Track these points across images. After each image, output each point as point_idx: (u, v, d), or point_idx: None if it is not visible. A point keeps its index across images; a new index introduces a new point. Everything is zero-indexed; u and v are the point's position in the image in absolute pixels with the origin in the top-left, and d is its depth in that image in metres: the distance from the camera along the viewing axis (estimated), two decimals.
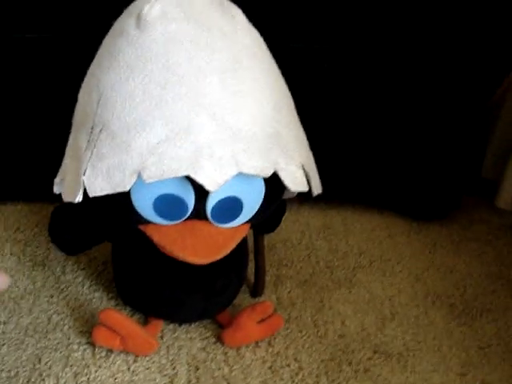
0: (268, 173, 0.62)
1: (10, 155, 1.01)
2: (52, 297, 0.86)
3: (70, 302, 0.85)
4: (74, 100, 0.70)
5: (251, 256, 0.89)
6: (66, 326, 0.81)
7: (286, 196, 0.77)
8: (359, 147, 1.04)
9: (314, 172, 0.69)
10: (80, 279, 0.90)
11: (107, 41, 0.69)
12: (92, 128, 0.64)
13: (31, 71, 0.92)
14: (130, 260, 0.77)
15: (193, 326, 0.83)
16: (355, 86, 0.97)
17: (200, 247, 0.66)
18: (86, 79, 0.69)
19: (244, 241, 0.81)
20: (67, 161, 0.68)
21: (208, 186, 0.58)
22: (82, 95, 0.69)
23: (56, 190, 0.69)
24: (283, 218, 1.03)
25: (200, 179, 0.58)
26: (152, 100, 0.61)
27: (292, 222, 1.08)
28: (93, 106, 0.65)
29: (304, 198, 1.08)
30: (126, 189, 0.60)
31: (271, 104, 0.65)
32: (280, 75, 0.71)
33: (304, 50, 0.92)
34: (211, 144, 0.60)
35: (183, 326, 0.83)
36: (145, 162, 0.59)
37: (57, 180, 0.69)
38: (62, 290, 0.88)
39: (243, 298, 0.88)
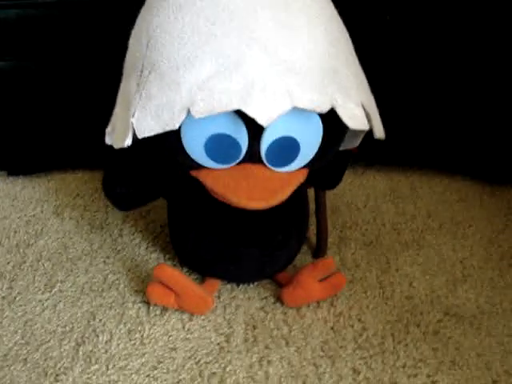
0: (325, 108, 0.57)
1: (68, 124, 1.00)
2: (108, 258, 0.85)
3: (127, 263, 0.84)
4: None
5: (313, 217, 0.85)
6: (122, 285, 0.79)
7: (347, 145, 0.73)
8: (427, 107, 0.98)
9: (375, 113, 0.64)
10: (137, 241, 0.89)
11: None
12: (141, 71, 0.61)
13: (80, 29, 0.90)
14: (186, 215, 0.75)
15: (251, 286, 0.80)
16: (421, 41, 0.91)
17: (255, 191, 0.62)
18: (136, 25, 0.67)
19: (305, 196, 0.77)
20: (118, 109, 0.66)
21: (260, 120, 0.54)
22: (131, 42, 0.67)
23: (108, 140, 0.66)
24: (349, 181, 1.00)
25: (251, 113, 0.54)
26: (201, 36, 0.58)
27: (357, 186, 1.03)
28: (142, 50, 0.62)
29: (370, 161, 1.05)
30: (175, 127, 0.56)
31: (327, 40, 0.61)
32: (337, 15, 0.66)
33: None
34: (264, 77, 0.56)
35: (241, 287, 0.80)
36: (194, 97, 0.56)
37: (108, 129, 0.66)
38: (119, 251, 0.86)
39: (305, 259, 0.85)
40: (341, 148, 0.73)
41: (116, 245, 0.88)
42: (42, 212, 0.96)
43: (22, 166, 1.06)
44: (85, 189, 1.02)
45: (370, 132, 0.64)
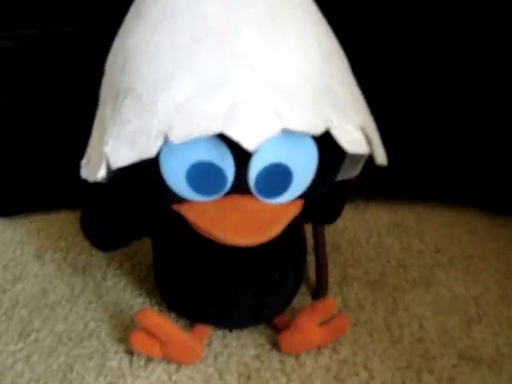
0: (318, 130, 0.51)
1: (53, 162, 0.95)
2: (90, 303, 0.78)
3: (110, 308, 0.77)
4: None
5: (312, 255, 0.78)
6: (103, 334, 0.72)
7: (346, 174, 0.67)
8: (431, 135, 0.93)
9: (376, 137, 0.58)
10: (122, 285, 0.82)
11: (133, 6, 0.61)
12: (117, 96, 0.56)
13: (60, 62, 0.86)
14: (170, 254, 0.68)
15: (245, 331, 0.72)
16: (426, 62, 0.86)
17: (243, 225, 0.55)
18: (112, 49, 0.61)
19: (301, 230, 0.71)
20: (93, 138, 0.60)
21: (246, 145, 0.48)
22: (107, 66, 0.61)
23: (83, 173, 0.60)
24: (349, 215, 0.94)
25: (236, 136, 0.48)
26: (179, 53, 0.53)
27: (358, 220, 0.97)
28: (118, 73, 0.57)
29: (371, 194, 0.99)
30: (153, 154, 0.50)
31: (319, 56, 0.55)
32: (330, 31, 0.61)
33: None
34: (249, 97, 0.50)
35: (234, 332, 0.72)
36: (172, 121, 0.50)
37: (84, 162, 0.60)
38: (102, 296, 0.79)
39: (304, 300, 0.77)
40: (339, 178, 0.67)
41: (99, 289, 0.81)
42: (21, 255, 0.89)
43: (3, 207, 1.01)
44: (68, 230, 0.96)
45: (369, 161, 0.58)
